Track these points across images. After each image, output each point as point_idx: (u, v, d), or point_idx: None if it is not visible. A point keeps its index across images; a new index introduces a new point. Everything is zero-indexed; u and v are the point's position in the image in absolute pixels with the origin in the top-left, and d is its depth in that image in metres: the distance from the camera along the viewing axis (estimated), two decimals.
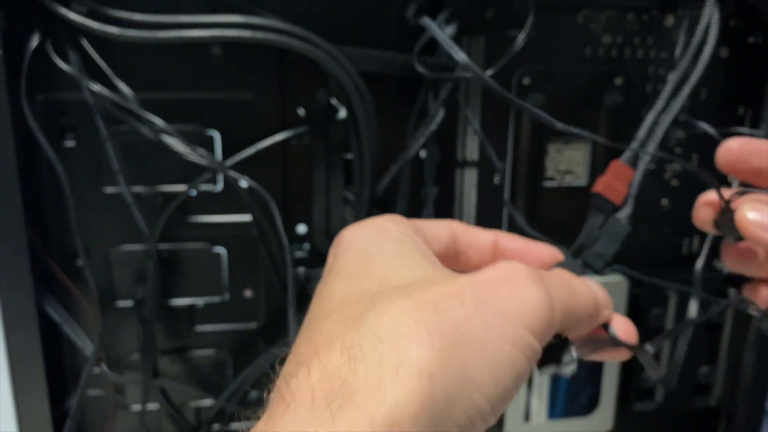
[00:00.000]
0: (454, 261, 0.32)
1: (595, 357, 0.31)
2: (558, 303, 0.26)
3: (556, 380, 0.52)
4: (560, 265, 0.33)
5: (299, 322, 0.46)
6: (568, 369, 0.28)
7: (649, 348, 0.31)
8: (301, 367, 0.22)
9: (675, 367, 0.40)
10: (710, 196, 0.34)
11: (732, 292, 0.33)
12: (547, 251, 0.34)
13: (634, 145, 0.41)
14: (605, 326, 0.31)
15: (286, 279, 0.45)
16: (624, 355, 0.32)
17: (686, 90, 0.40)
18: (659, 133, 0.40)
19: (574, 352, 0.28)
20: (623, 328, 0.31)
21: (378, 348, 0.22)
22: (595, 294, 0.29)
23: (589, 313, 0.29)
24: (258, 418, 0.23)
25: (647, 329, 0.51)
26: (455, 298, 0.24)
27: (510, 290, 0.24)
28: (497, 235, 0.33)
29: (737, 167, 0.35)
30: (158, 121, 0.41)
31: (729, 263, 0.35)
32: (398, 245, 0.28)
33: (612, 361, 0.48)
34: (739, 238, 0.32)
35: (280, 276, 0.45)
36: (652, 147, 0.40)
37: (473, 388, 0.22)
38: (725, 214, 0.33)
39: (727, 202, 0.33)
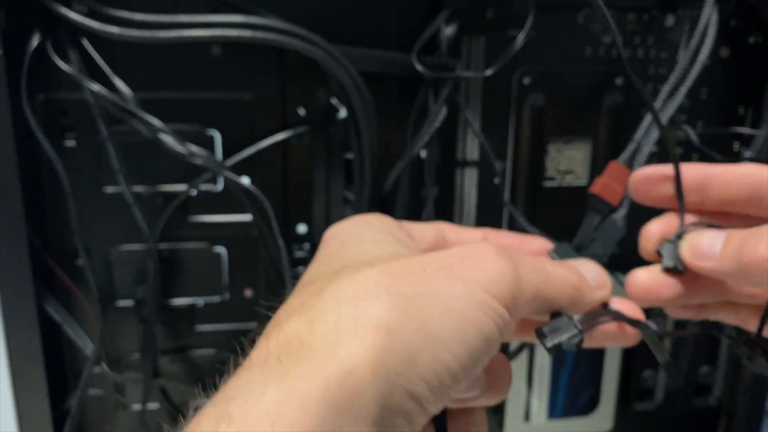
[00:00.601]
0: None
1: (601, 340, 0.31)
2: (526, 280, 0.26)
3: (556, 380, 0.52)
4: (554, 250, 0.34)
5: None
6: (572, 342, 0.28)
7: (651, 324, 0.31)
8: (266, 337, 0.23)
9: (678, 368, 0.40)
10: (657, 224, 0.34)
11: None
12: (539, 245, 0.34)
13: (632, 146, 0.41)
14: (605, 305, 0.31)
15: (285, 279, 0.45)
16: (629, 338, 0.32)
17: (683, 90, 0.40)
18: (654, 134, 0.40)
19: (577, 324, 0.28)
20: (625, 307, 0.31)
21: (336, 309, 0.22)
22: (573, 277, 0.29)
23: (568, 294, 0.29)
24: None
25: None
26: (418, 266, 0.24)
27: (474, 260, 0.25)
28: (486, 232, 0.33)
29: (650, 196, 0.34)
30: (158, 120, 0.41)
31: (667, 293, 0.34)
32: (375, 233, 0.29)
33: (617, 346, 0.48)
34: (676, 267, 0.32)
35: (280, 276, 0.45)
36: (648, 147, 0.41)
37: (438, 344, 0.22)
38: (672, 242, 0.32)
39: (680, 234, 0.32)
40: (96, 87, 0.39)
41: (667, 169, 0.33)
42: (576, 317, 0.29)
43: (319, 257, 0.28)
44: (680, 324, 0.50)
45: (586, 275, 0.30)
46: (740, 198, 0.32)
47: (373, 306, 0.22)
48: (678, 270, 0.32)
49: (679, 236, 0.32)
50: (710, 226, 0.32)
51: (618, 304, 0.32)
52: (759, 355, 0.29)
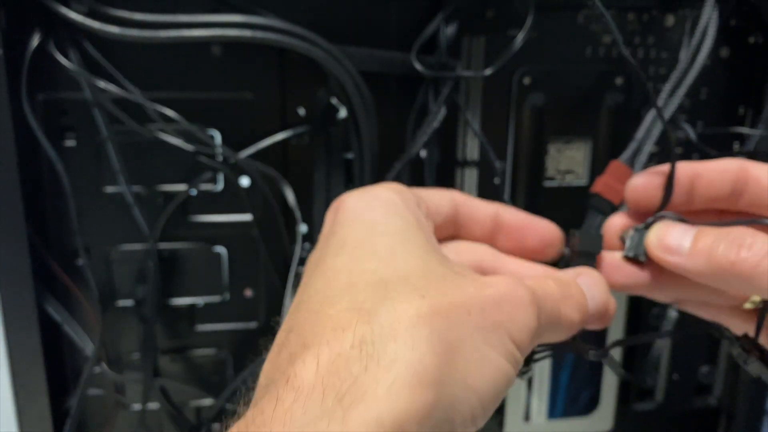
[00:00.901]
0: (454, 231, 0.33)
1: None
2: (544, 328, 0.27)
3: (556, 380, 0.52)
4: (581, 239, 0.33)
5: None
6: (526, 377, 0.29)
7: (593, 354, 0.31)
8: (307, 351, 0.22)
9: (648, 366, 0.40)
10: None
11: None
12: (546, 228, 0.34)
13: (633, 145, 0.41)
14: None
15: (286, 278, 0.45)
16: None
17: (682, 90, 0.40)
18: (655, 133, 0.40)
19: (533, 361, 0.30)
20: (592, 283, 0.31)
21: (391, 347, 0.22)
22: (580, 313, 0.29)
23: (570, 331, 0.29)
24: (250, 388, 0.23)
25: (647, 329, 0.51)
26: (464, 307, 0.24)
27: (511, 309, 0.25)
28: (498, 208, 0.33)
29: (646, 203, 0.34)
30: (167, 116, 0.41)
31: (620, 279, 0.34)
32: (404, 223, 0.27)
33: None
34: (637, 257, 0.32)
35: (281, 275, 0.45)
36: (649, 147, 0.41)
37: (475, 397, 0.23)
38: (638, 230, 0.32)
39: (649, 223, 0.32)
40: (102, 84, 0.39)
41: (658, 177, 0.33)
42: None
43: (345, 241, 0.27)
44: (680, 323, 0.51)
45: (591, 304, 0.30)
46: (723, 194, 0.32)
47: (429, 356, 0.22)
48: (638, 260, 0.31)
49: (647, 226, 0.32)
50: (681, 220, 0.32)
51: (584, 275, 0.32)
52: (755, 357, 0.29)
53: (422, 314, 0.23)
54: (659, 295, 0.34)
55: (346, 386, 0.21)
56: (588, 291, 0.30)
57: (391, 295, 0.23)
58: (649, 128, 0.40)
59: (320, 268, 0.26)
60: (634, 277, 0.32)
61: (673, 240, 0.30)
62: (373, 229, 0.27)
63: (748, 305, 0.33)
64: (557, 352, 0.30)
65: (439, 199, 0.31)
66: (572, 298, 0.29)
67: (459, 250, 0.33)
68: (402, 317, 0.23)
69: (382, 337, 0.22)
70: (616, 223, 0.34)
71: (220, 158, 0.43)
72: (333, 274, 0.25)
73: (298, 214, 0.46)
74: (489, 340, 0.24)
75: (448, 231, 0.33)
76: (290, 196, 0.45)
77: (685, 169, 0.33)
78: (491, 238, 0.34)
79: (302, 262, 0.47)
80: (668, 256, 0.30)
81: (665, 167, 0.34)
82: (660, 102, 0.41)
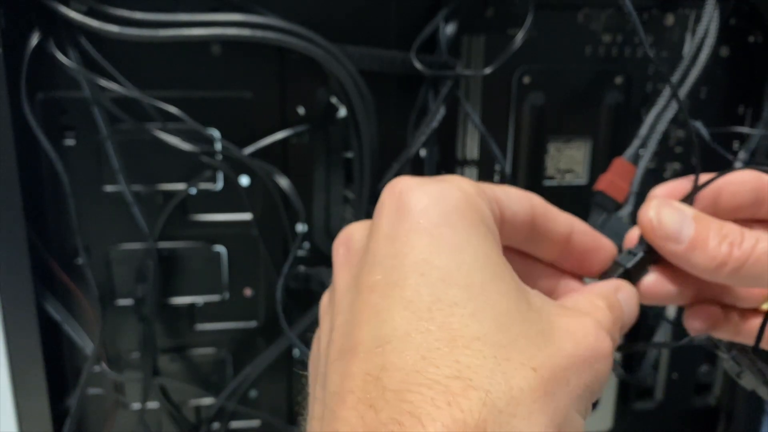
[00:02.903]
0: (526, 243, 0.30)
1: None
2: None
3: None
4: (608, 228, 0.33)
5: (299, 320, 0.46)
6: None
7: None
8: (424, 428, 0.19)
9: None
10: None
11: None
12: (612, 251, 0.32)
13: (636, 143, 0.41)
14: None
15: (286, 277, 0.45)
16: None
17: (684, 89, 0.40)
18: (660, 130, 0.40)
19: None
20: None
21: (512, 423, 0.20)
22: (622, 333, 0.28)
23: None
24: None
25: (647, 328, 0.51)
26: (565, 376, 0.22)
27: (599, 367, 0.23)
28: (573, 226, 0.30)
29: None
30: (161, 119, 0.41)
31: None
32: (489, 248, 0.24)
33: None
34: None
35: (280, 274, 0.45)
36: (652, 145, 0.41)
37: None
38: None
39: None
40: (101, 83, 0.39)
41: (678, 191, 0.32)
42: None
43: (419, 262, 0.23)
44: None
45: (628, 321, 0.29)
46: (747, 204, 0.32)
47: None
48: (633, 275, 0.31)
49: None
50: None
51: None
52: (747, 369, 0.28)
53: (537, 396, 0.21)
54: (680, 299, 0.33)
55: None
56: (625, 307, 0.29)
57: (504, 363, 0.21)
58: (652, 126, 0.40)
59: (398, 290, 0.22)
60: (662, 285, 0.31)
61: (671, 224, 0.29)
62: (461, 251, 0.23)
63: (765, 305, 0.33)
64: None
65: (519, 204, 0.28)
66: (619, 321, 0.28)
67: None
68: (520, 398, 0.21)
69: (502, 420, 0.20)
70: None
71: (220, 157, 0.43)
72: (423, 313, 0.22)
73: (302, 214, 0.46)
74: (579, 407, 0.23)
75: (519, 240, 0.29)
76: (290, 195, 0.45)
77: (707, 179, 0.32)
78: (560, 256, 0.31)
79: (301, 261, 0.47)
80: (669, 244, 0.29)
81: (684, 179, 0.33)
82: (661, 102, 0.41)
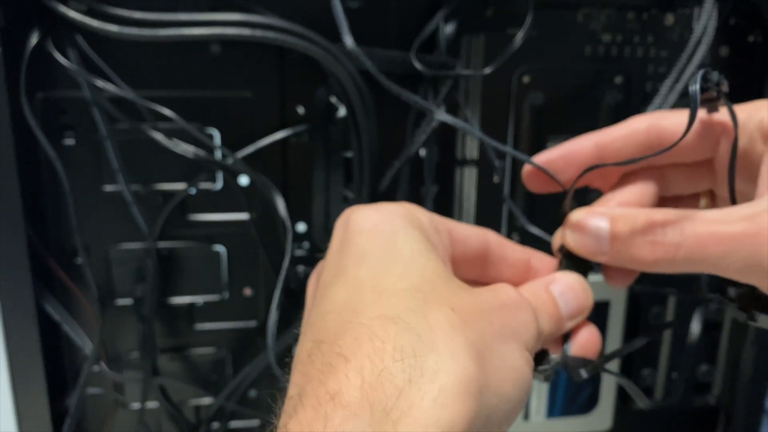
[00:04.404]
0: (482, 270, 0.32)
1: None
2: (539, 333, 0.27)
3: (555, 379, 0.52)
4: None
5: (299, 320, 0.46)
6: (549, 379, 0.29)
7: (583, 373, 0.31)
8: (347, 364, 0.22)
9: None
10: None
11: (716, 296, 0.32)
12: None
13: None
14: (566, 336, 0.31)
15: (287, 276, 0.45)
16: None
17: (678, 87, 0.40)
18: None
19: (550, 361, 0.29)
20: (584, 341, 0.31)
21: (432, 358, 0.22)
22: (558, 315, 0.29)
23: (552, 334, 0.29)
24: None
25: (647, 327, 0.51)
26: (486, 317, 0.25)
27: (524, 317, 0.26)
28: (530, 254, 0.32)
29: (546, 184, 0.33)
30: (167, 116, 0.41)
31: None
32: (422, 234, 0.28)
33: None
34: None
35: (280, 274, 0.45)
36: None
37: (505, 402, 0.23)
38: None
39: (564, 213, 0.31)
40: (100, 83, 0.39)
41: (554, 153, 0.32)
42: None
43: (365, 250, 0.26)
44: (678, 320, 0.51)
45: (562, 305, 0.29)
46: (638, 151, 0.31)
47: (471, 367, 0.22)
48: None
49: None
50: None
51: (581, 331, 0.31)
52: (759, 311, 0.28)
53: (455, 324, 0.23)
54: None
55: (393, 400, 0.21)
56: (560, 297, 0.29)
57: (423, 304, 0.24)
58: None
59: (342, 277, 0.26)
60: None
61: (589, 238, 0.29)
62: (393, 239, 0.27)
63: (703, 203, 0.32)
64: (550, 371, 0.30)
65: (470, 232, 0.31)
66: (548, 307, 0.29)
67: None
68: (437, 327, 0.23)
69: (422, 348, 0.22)
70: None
71: (219, 157, 0.43)
72: (358, 284, 0.25)
73: (297, 213, 0.46)
74: (510, 348, 0.25)
75: (475, 267, 0.32)
76: (289, 194, 0.45)
77: (586, 143, 0.31)
78: (522, 281, 0.32)
79: (301, 260, 0.47)
80: (595, 257, 0.30)
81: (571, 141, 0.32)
82: (658, 99, 0.41)
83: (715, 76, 0.28)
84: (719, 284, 0.31)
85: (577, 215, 0.30)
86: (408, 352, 0.22)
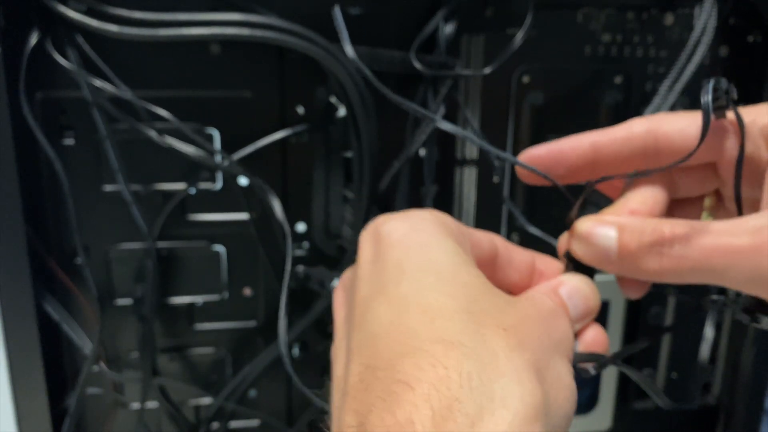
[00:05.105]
0: (491, 274, 0.31)
1: None
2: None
3: None
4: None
5: (299, 320, 0.46)
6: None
7: (592, 370, 0.31)
8: (412, 392, 0.21)
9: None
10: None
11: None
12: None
13: None
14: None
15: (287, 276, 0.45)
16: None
17: (678, 87, 0.40)
18: None
19: None
20: (591, 340, 0.30)
21: (499, 383, 0.21)
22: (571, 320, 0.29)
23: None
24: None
25: (647, 327, 0.51)
26: (536, 333, 0.24)
27: (563, 326, 0.26)
28: (534, 256, 0.32)
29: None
30: (162, 117, 0.41)
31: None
32: (455, 244, 0.27)
33: None
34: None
35: (280, 274, 0.45)
36: None
37: (563, 419, 0.24)
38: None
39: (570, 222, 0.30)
40: (98, 83, 0.39)
41: (543, 150, 0.32)
42: None
43: (402, 265, 0.25)
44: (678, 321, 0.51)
45: (571, 308, 0.29)
46: (634, 163, 0.30)
47: (534, 388, 0.22)
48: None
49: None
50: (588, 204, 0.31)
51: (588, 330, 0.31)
52: (762, 314, 0.28)
53: (513, 346, 0.23)
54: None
55: (466, 430, 0.20)
56: (569, 300, 0.29)
57: (478, 326, 0.23)
58: None
59: (382, 295, 0.25)
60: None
61: (596, 248, 0.29)
62: (428, 250, 0.26)
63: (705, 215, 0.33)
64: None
65: (482, 236, 0.31)
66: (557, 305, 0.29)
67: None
68: (499, 351, 0.22)
69: (488, 374, 0.21)
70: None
71: (219, 157, 0.43)
72: (402, 302, 0.24)
73: (297, 213, 0.46)
74: (558, 363, 0.24)
75: (485, 273, 0.31)
76: (289, 194, 0.45)
77: (582, 143, 0.31)
78: (527, 284, 0.32)
79: (301, 260, 0.47)
80: (601, 265, 0.30)
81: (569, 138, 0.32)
82: (657, 99, 0.41)
83: (724, 84, 0.28)
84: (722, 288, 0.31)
85: (585, 225, 0.30)
86: (474, 379, 0.21)
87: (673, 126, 0.30)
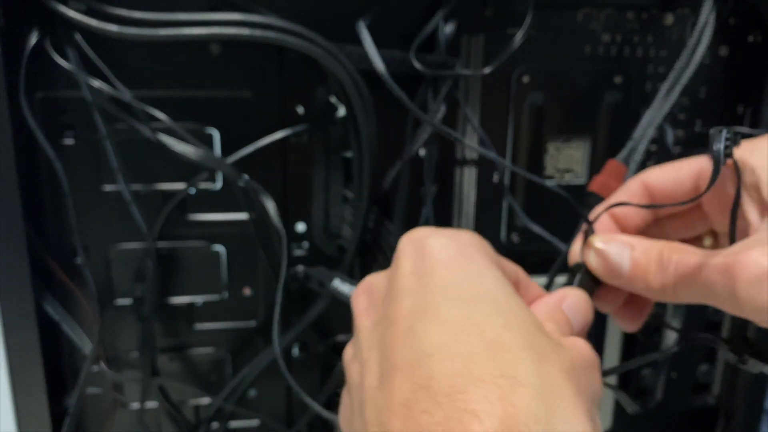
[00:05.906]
0: None
1: None
2: None
3: None
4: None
5: (298, 320, 0.46)
6: None
7: None
8: (481, 422, 0.21)
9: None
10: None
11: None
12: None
13: (630, 144, 0.41)
14: None
15: (286, 277, 0.45)
16: None
17: (677, 88, 0.40)
18: (649, 131, 0.40)
19: None
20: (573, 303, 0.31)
21: (562, 427, 0.22)
22: (570, 333, 0.29)
23: None
24: None
25: (646, 327, 0.51)
26: (584, 380, 0.25)
27: (598, 377, 0.27)
28: (541, 293, 0.33)
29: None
30: (158, 118, 0.41)
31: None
32: (502, 275, 0.27)
33: None
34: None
35: (278, 274, 0.45)
36: (641, 147, 0.41)
37: None
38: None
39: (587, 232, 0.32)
40: (97, 83, 0.39)
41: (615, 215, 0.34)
42: None
43: (449, 288, 0.25)
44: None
45: (573, 322, 0.30)
46: (690, 206, 0.33)
47: (589, 427, 0.23)
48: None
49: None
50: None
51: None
52: (749, 355, 0.29)
53: (573, 390, 0.23)
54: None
55: None
56: (570, 314, 0.30)
57: (540, 365, 0.23)
58: (645, 127, 0.41)
59: (431, 314, 0.24)
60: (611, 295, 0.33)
61: (611, 263, 0.31)
62: (480, 277, 0.26)
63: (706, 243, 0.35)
64: None
65: (508, 264, 0.31)
66: (560, 325, 0.30)
67: None
68: (563, 393, 0.23)
69: (553, 416, 0.22)
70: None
71: (219, 157, 0.43)
72: (456, 327, 0.24)
73: (296, 213, 0.46)
74: (597, 413, 0.26)
75: None
76: (289, 194, 0.45)
77: (634, 187, 0.33)
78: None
79: (300, 260, 0.47)
80: (611, 279, 0.31)
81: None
82: (657, 100, 0.41)
83: (734, 135, 0.29)
84: (715, 325, 0.31)
85: (602, 241, 0.32)
86: (541, 420, 0.21)
87: (656, 177, 0.33)
